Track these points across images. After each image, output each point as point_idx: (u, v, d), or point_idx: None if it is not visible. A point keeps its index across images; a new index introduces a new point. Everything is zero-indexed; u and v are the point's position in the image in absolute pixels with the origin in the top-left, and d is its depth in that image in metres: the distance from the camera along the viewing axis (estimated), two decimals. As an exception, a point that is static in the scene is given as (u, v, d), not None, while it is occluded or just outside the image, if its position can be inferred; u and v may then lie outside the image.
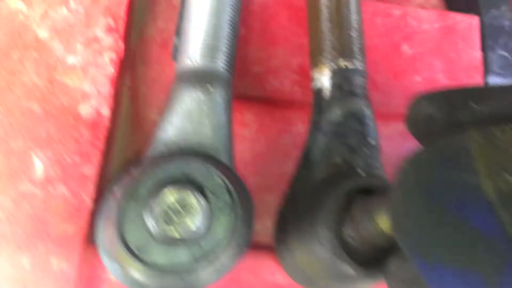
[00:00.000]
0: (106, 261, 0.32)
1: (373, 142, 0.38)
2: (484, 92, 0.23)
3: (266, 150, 0.47)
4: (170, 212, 0.21)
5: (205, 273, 0.27)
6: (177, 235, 0.22)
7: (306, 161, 0.38)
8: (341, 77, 0.38)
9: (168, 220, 0.21)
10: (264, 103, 0.45)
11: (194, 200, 0.22)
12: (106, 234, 0.31)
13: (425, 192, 0.20)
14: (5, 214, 0.34)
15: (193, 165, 0.28)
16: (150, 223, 0.23)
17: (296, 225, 0.34)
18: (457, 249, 0.19)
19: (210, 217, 0.26)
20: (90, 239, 0.36)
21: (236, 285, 0.39)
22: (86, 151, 0.36)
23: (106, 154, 0.37)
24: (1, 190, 0.34)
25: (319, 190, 0.34)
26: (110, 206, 0.27)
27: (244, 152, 0.47)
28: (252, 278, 0.40)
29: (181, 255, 0.26)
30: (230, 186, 0.28)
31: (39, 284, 0.34)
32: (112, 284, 0.37)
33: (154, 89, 0.44)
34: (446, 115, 0.22)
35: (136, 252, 0.26)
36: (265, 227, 0.45)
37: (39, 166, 0.35)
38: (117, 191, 0.26)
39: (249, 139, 0.48)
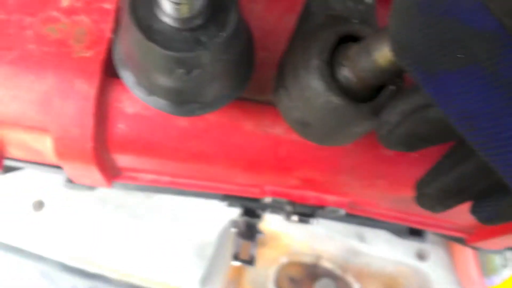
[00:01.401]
0: (120, 69, 0.36)
1: (369, 1, 0.41)
2: None
3: (273, 27, 0.50)
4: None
5: (202, 61, 0.30)
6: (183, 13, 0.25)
7: (304, 13, 0.41)
8: None
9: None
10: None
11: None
12: (120, 42, 0.35)
13: (418, 5, 0.22)
14: (34, 33, 0.38)
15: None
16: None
17: (292, 65, 0.36)
18: (456, 51, 0.21)
19: (210, 8, 0.30)
20: (108, 71, 0.40)
21: (238, 133, 0.43)
22: (107, -14, 0.40)
23: (125, -8, 0.40)
24: (31, 13, 0.38)
25: (314, 34, 0.37)
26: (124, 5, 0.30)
27: (252, 29, 0.50)
28: (254, 128, 0.43)
29: (183, 38, 0.30)
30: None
31: (62, 101, 0.39)
32: (125, 113, 0.41)
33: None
34: None
35: (146, 30, 0.29)
36: (267, 101, 0.49)
37: (65, -4, 0.39)
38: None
39: (257, 17, 0.51)
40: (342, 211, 0.51)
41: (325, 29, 0.35)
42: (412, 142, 0.32)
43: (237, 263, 0.63)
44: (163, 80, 0.32)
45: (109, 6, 0.40)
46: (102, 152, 0.43)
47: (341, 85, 0.34)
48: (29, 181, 0.87)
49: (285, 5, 0.50)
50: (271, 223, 0.94)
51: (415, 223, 0.56)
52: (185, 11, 0.28)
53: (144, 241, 0.89)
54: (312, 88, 0.34)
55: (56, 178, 0.87)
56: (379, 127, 0.33)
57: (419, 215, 0.55)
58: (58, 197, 0.88)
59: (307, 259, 0.97)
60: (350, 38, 0.35)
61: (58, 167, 0.55)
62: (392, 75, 0.32)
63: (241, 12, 0.33)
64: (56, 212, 0.89)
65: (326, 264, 0.96)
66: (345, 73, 0.33)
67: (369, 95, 0.34)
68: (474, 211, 0.34)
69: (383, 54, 0.30)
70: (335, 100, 0.33)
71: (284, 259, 0.96)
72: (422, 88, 0.24)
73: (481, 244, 0.56)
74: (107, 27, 0.39)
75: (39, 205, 0.86)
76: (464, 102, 0.21)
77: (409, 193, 0.47)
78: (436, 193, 0.34)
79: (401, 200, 0.50)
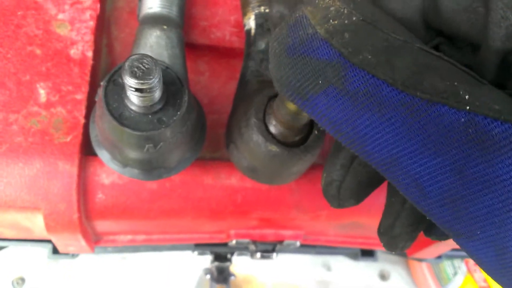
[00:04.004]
0: (96, 149, 0.44)
1: None
2: None
3: (218, 94, 0.60)
4: (135, 68, 0.33)
5: (166, 136, 0.39)
6: (143, 87, 0.34)
7: (241, 82, 0.50)
8: (262, 19, 0.51)
9: (134, 74, 0.33)
10: (212, 52, 0.58)
11: (151, 62, 0.34)
12: (96, 126, 0.43)
13: (287, 50, 0.29)
14: (19, 127, 0.46)
15: (154, 61, 0.40)
16: (125, 90, 0.36)
17: (237, 125, 0.45)
18: (317, 78, 0.28)
19: (166, 94, 0.39)
20: (84, 151, 0.48)
21: (200, 188, 0.51)
22: (77, 82, 0.48)
23: (92, 84, 0.49)
24: (15, 110, 0.46)
25: (251, 98, 0.46)
26: (98, 100, 0.39)
27: (201, 96, 0.59)
28: (213, 181, 0.52)
29: (148, 120, 0.38)
30: (181, 79, 0.41)
31: (49, 182, 0.46)
32: (102, 184, 0.49)
33: (125, 47, 0.56)
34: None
35: (118, 118, 0.38)
36: (222, 155, 0.58)
37: (42, 94, 0.47)
38: (102, 84, 0.39)
39: (204, 86, 0.60)
40: (298, 243, 0.59)
41: (258, 93, 0.44)
42: (359, 191, 0.37)
43: (214, 306, 0.69)
44: (135, 154, 0.40)
45: (80, 96, 0.48)
46: (85, 221, 0.50)
47: (276, 135, 0.42)
48: (9, 260, 0.90)
49: (226, 75, 0.60)
50: (243, 267, 1.01)
51: (362, 244, 0.64)
52: (148, 100, 0.37)
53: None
54: (254, 141, 0.42)
55: (37, 255, 0.92)
56: (327, 189, 0.38)
57: (363, 236, 0.64)
58: (39, 274, 0.91)
59: (281, 296, 1.03)
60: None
61: (43, 241, 0.61)
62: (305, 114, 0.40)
63: (190, 92, 0.42)
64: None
65: (299, 298, 1.03)
66: (274, 122, 0.41)
67: (300, 140, 0.43)
68: (430, 233, 0.36)
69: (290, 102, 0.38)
70: (273, 148, 0.42)
71: (259, 300, 1.02)
72: (302, 110, 0.30)
73: (419, 255, 0.65)
74: (81, 114, 0.47)
75: (21, 282, 0.88)
76: (330, 114, 0.28)
77: (347, 220, 0.57)
78: (405, 230, 0.36)
79: (343, 226, 0.59)
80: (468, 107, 0.23)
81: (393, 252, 0.40)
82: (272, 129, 0.42)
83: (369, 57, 0.26)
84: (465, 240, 0.26)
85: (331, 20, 0.27)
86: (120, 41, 0.56)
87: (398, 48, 0.26)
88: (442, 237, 0.36)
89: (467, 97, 0.24)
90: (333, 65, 0.27)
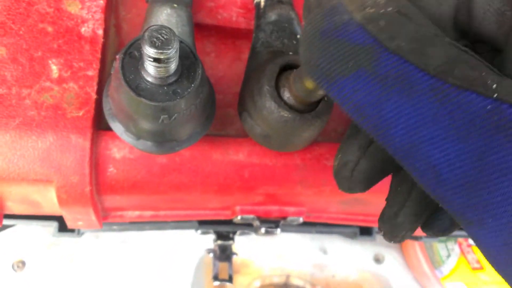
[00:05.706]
0: (110, 122, 0.45)
1: (299, 36, 0.52)
2: None
3: (224, 74, 0.61)
4: (154, 38, 0.35)
5: (180, 107, 0.40)
6: (161, 57, 0.35)
7: (252, 53, 0.52)
8: None
9: (153, 44, 0.35)
10: (218, 32, 0.59)
11: (170, 33, 0.35)
12: (110, 99, 0.44)
13: (320, 34, 0.30)
14: (31, 101, 0.46)
15: (173, 32, 0.41)
16: (142, 61, 0.37)
17: (249, 93, 0.47)
18: (348, 61, 0.29)
19: (180, 67, 0.40)
20: (96, 125, 0.49)
21: (209, 163, 0.53)
22: (88, 59, 0.49)
23: (103, 62, 0.50)
24: (28, 85, 0.47)
25: (262, 67, 0.47)
26: (114, 72, 0.40)
27: (208, 77, 0.61)
28: (221, 157, 0.53)
29: (164, 91, 0.39)
30: (194, 53, 0.42)
31: (62, 155, 0.47)
32: (114, 158, 0.50)
33: (133, 27, 0.57)
34: None
35: (135, 89, 0.39)
36: (227, 134, 0.59)
37: (55, 70, 0.48)
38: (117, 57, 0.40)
39: (210, 66, 0.62)
40: (301, 219, 0.61)
41: (270, 62, 0.46)
42: (371, 176, 0.37)
43: (217, 283, 0.71)
44: (150, 126, 0.42)
45: (91, 73, 0.49)
46: (96, 195, 0.51)
47: (288, 102, 0.44)
48: (9, 243, 0.91)
49: (232, 56, 0.62)
50: (240, 251, 1.02)
51: (362, 221, 0.66)
52: (164, 72, 0.38)
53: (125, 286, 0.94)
54: (266, 108, 0.44)
55: (37, 239, 0.92)
56: (341, 170, 0.38)
57: (363, 213, 0.66)
58: (39, 257, 0.92)
59: (278, 280, 1.05)
60: (289, 66, 0.46)
61: (50, 218, 0.62)
62: (321, 92, 0.42)
63: (203, 66, 0.44)
64: (38, 271, 0.93)
65: (296, 281, 1.05)
66: (287, 94, 0.43)
67: (310, 106, 0.45)
68: (428, 228, 0.37)
69: (308, 80, 0.39)
70: (285, 114, 0.43)
71: (257, 283, 1.04)
72: (327, 93, 0.31)
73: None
74: (92, 90, 0.48)
75: (21, 265, 0.89)
76: (356, 97, 0.29)
77: (349, 196, 0.58)
78: (408, 220, 0.36)
79: (345, 202, 0.61)
80: (495, 95, 0.24)
81: (392, 241, 0.39)
82: (284, 96, 0.44)
83: (403, 44, 0.27)
84: (475, 228, 0.27)
85: (367, 9, 0.29)
86: (127, 21, 0.57)
87: (430, 39, 0.27)
88: (440, 233, 0.37)
89: (494, 86, 0.25)
90: (366, 49, 0.28)
